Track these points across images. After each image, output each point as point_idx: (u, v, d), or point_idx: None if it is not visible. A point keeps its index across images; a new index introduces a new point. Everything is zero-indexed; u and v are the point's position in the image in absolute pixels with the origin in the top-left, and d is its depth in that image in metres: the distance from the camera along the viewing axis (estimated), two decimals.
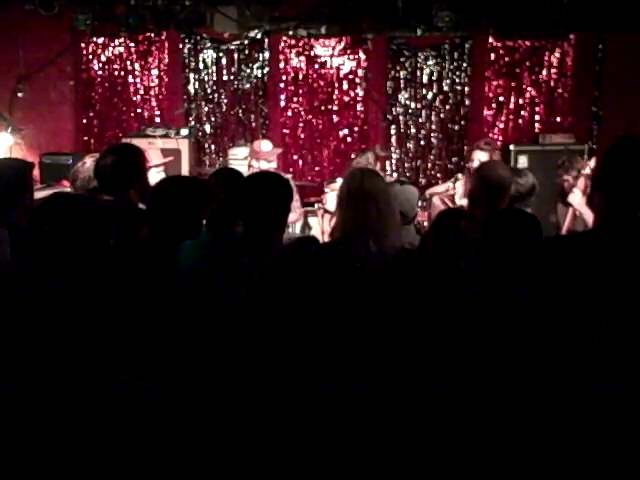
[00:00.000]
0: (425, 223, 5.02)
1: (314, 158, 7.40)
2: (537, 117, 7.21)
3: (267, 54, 7.22)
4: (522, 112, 7.22)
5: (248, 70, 7.27)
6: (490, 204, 3.32)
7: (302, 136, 7.36)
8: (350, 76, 7.24)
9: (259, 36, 6.91)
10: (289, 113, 7.32)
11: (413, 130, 7.34)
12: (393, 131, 7.35)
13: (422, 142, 7.35)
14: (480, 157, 4.98)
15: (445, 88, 7.24)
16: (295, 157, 7.38)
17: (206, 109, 7.36)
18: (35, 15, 6.16)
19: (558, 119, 7.19)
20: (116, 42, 7.21)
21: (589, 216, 3.24)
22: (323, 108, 7.29)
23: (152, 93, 7.33)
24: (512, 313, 2.24)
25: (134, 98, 7.33)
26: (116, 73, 7.29)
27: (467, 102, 7.24)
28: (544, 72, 7.12)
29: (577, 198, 3.91)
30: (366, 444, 1.84)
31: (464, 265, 2.62)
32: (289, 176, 4.83)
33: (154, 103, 7.34)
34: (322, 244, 2.70)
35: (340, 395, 1.89)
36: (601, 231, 2.36)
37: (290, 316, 2.05)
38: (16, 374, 2.02)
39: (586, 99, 7.02)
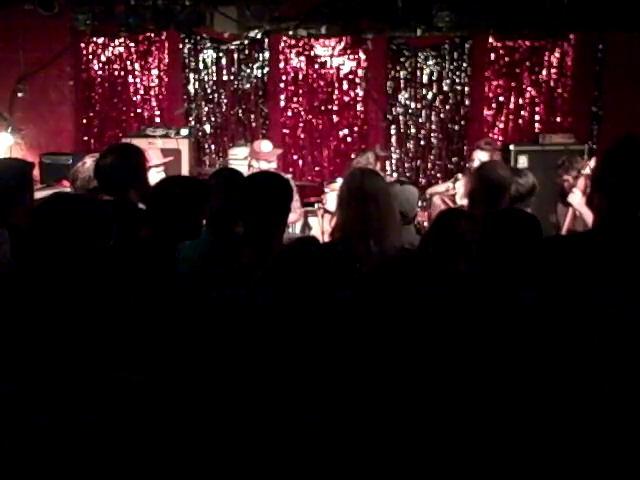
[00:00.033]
0: (425, 223, 5.02)
1: (314, 158, 7.40)
2: (537, 117, 7.22)
3: (267, 54, 7.22)
4: (522, 112, 7.22)
5: (248, 70, 7.27)
6: (490, 204, 3.32)
7: (302, 136, 7.37)
8: (350, 76, 7.24)
9: (259, 36, 6.91)
10: (289, 113, 7.32)
11: (413, 130, 7.34)
12: (393, 131, 7.35)
13: (422, 142, 7.35)
14: (481, 157, 4.98)
15: (445, 88, 7.24)
16: (295, 157, 7.38)
17: (206, 109, 7.36)
18: (35, 15, 6.16)
19: (558, 119, 7.20)
20: (116, 42, 7.21)
21: (589, 216, 3.24)
22: (323, 108, 7.29)
23: (152, 93, 7.33)
24: (512, 313, 2.24)
25: (134, 98, 7.34)
26: (116, 73, 7.29)
27: (467, 102, 7.24)
28: (544, 72, 7.12)
29: (577, 198, 3.91)
30: (366, 444, 1.84)
31: (464, 265, 2.62)
32: (289, 176, 4.83)
33: (154, 103, 7.35)
34: (322, 244, 2.70)
35: (340, 395, 1.89)
36: (600, 231, 2.37)
37: (290, 316, 2.05)
38: (16, 375, 2.02)
39: (586, 99, 7.02)
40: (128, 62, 7.27)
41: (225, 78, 7.30)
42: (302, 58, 7.22)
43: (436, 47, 7.14)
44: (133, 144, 3.87)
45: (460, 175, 5.34)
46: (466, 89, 7.22)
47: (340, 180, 4.27)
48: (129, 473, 1.93)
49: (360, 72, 7.21)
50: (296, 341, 2.00)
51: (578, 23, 6.44)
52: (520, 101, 7.20)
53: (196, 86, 7.32)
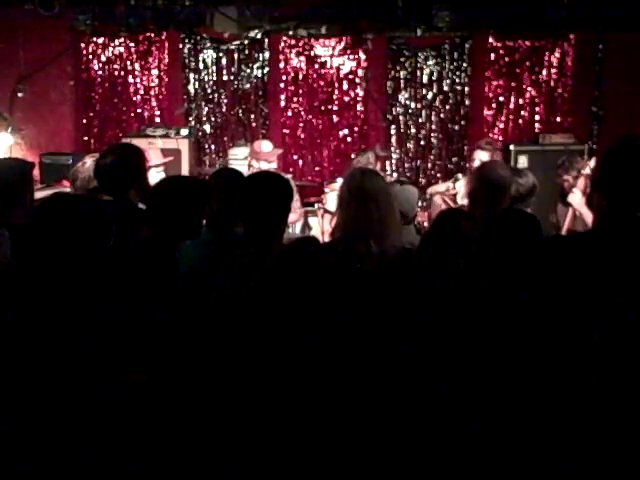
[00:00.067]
0: (425, 223, 5.02)
1: (314, 158, 7.40)
2: (537, 117, 7.22)
3: (267, 54, 7.22)
4: (522, 112, 7.23)
5: (248, 70, 7.27)
6: (490, 204, 3.32)
7: (302, 136, 7.37)
8: (350, 76, 7.24)
9: (259, 36, 6.91)
10: (289, 113, 7.32)
11: (413, 130, 7.34)
12: (393, 131, 7.35)
13: (422, 142, 7.36)
14: (481, 157, 4.99)
15: (445, 88, 7.25)
16: (295, 157, 7.38)
17: (206, 109, 7.36)
18: (35, 15, 6.16)
19: (558, 119, 7.20)
20: (116, 42, 7.21)
21: (589, 216, 3.24)
22: (323, 108, 7.29)
23: (152, 93, 7.33)
24: (512, 313, 2.24)
25: (134, 98, 7.34)
26: (116, 73, 7.29)
27: (467, 102, 7.25)
28: (544, 72, 7.12)
29: (577, 198, 3.91)
30: (365, 443, 1.84)
31: (464, 265, 2.62)
32: (289, 176, 4.83)
33: (154, 103, 7.35)
34: (322, 244, 2.70)
35: (339, 395, 1.89)
36: (600, 231, 2.37)
37: (290, 316, 2.05)
38: (16, 375, 2.02)
39: (586, 99, 7.02)
40: (128, 62, 7.27)
41: (225, 78, 7.30)
42: (302, 58, 7.22)
43: (436, 47, 7.14)
44: (133, 144, 3.87)
45: (460, 175, 5.34)
46: (466, 89, 7.22)
47: (340, 180, 4.27)
48: (130, 471, 1.94)
49: (360, 72, 7.21)
50: (296, 341, 2.00)
51: (578, 23, 6.45)
52: (520, 101, 7.20)
53: (196, 86, 7.32)
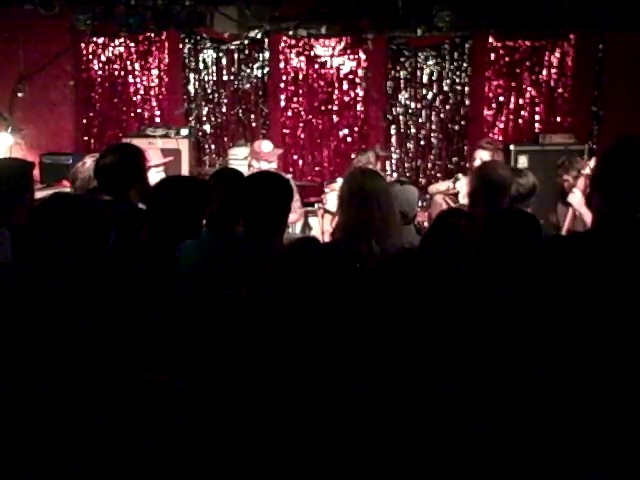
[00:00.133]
0: (425, 223, 5.02)
1: (314, 158, 7.40)
2: (537, 117, 7.22)
3: (267, 54, 7.22)
4: (522, 112, 7.22)
5: (248, 70, 7.27)
6: (490, 204, 3.32)
7: (302, 136, 7.37)
8: (350, 76, 7.24)
9: (259, 36, 6.91)
10: (289, 113, 7.32)
11: (413, 130, 7.34)
12: (393, 131, 7.35)
13: (422, 142, 7.35)
14: (482, 156, 4.99)
15: (445, 88, 7.24)
16: (295, 157, 7.38)
17: (206, 109, 7.36)
18: (35, 15, 6.15)
19: (558, 119, 7.20)
20: (116, 42, 7.22)
21: (589, 216, 3.24)
22: (323, 108, 7.29)
23: (152, 93, 7.33)
24: (512, 313, 2.24)
25: (134, 98, 7.34)
26: (116, 73, 7.29)
27: (467, 102, 7.25)
28: (544, 72, 7.12)
29: (577, 198, 3.91)
30: (365, 443, 1.84)
31: (464, 265, 2.62)
32: (289, 176, 4.83)
33: (154, 103, 7.35)
34: (323, 244, 2.70)
35: (339, 394, 1.89)
36: (600, 231, 2.37)
37: (290, 316, 2.05)
38: (16, 375, 2.02)
39: (586, 99, 7.02)
40: (128, 62, 7.27)
41: (225, 78, 7.30)
42: (302, 58, 7.22)
43: (436, 47, 7.14)
44: (133, 144, 3.87)
45: (460, 175, 5.34)
46: (466, 89, 7.22)
47: (340, 180, 4.27)
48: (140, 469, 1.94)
49: (360, 72, 7.21)
50: (296, 341, 2.00)
51: (578, 23, 6.44)
52: (520, 101, 7.20)
53: (196, 86, 7.32)
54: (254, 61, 7.25)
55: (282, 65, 7.22)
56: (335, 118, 7.31)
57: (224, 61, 7.26)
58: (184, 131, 6.68)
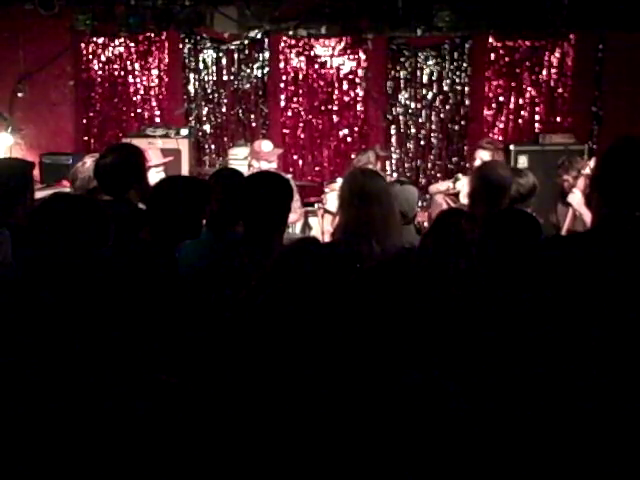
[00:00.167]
0: (425, 223, 5.02)
1: (314, 158, 7.40)
2: (537, 117, 7.21)
3: (267, 54, 7.21)
4: (522, 112, 7.22)
5: (248, 70, 7.27)
6: (490, 204, 3.32)
7: (302, 136, 7.36)
8: (350, 76, 7.24)
9: (259, 36, 6.92)
10: (289, 113, 7.32)
11: (413, 130, 7.34)
12: (393, 131, 7.35)
13: (422, 142, 7.35)
14: (483, 156, 5.00)
15: (445, 88, 7.24)
16: (295, 157, 7.38)
17: (206, 109, 7.36)
18: (35, 15, 6.16)
19: (558, 119, 7.19)
20: (116, 42, 7.21)
21: (589, 216, 3.24)
22: (323, 108, 7.29)
23: (152, 93, 7.33)
24: (511, 313, 2.24)
25: (134, 98, 7.33)
26: (116, 73, 7.29)
27: (467, 102, 7.24)
28: (544, 72, 7.12)
29: (577, 198, 3.91)
30: (365, 443, 1.84)
31: (464, 265, 2.62)
32: (289, 176, 4.83)
33: (154, 103, 7.34)
34: (323, 244, 2.70)
35: (339, 394, 1.90)
36: (599, 231, 2.37)
37: (290, 316, 2.05)
38: (16, 376, 2.02)
39: (586, 99, 7.01)
40: (128, 62, 7.27)
41: (225, 78, 7.29)
42: (302, 58, 7.22)
43: (436, 47, 7.14)
44: (133, 144, 3.87)
45: (460, 175, 5.35)
46: (466, 89, 7.21)
47: (340, 180, 4.27)
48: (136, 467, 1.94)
49: (360, 72, 7.20)
50: (296, 341, 2.00)
51: (578, 23, 6.45)
52: (520, 101, 7.19)
53: (196, 86, 7.32)
54: (254, 61, 7.25)
55: (282, 65, 7.21)
56: (335, 118, 7.31)
57: (224, 61, 7.26)
58: (184, 131, 6.68)
